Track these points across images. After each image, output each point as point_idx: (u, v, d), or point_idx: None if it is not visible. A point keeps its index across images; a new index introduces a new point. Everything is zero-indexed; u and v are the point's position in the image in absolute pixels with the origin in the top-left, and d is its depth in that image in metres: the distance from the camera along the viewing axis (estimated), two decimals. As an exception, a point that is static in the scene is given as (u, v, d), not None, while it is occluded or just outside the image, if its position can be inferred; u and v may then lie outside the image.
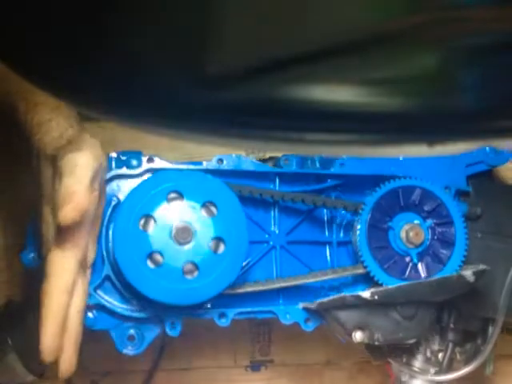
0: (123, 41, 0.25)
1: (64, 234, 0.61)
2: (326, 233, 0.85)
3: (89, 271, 0.69)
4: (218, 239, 0.72)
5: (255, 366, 1.02)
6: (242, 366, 1.02)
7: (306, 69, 0.25)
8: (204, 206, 0.72)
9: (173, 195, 0.72)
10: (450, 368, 0.86)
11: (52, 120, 0.64)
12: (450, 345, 0.85)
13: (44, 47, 0.26)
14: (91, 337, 0.91)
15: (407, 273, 0.78)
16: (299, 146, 0.29)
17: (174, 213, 0.71)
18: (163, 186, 0.71)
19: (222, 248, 0.72)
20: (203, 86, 0.26)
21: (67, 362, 0.64)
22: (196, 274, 0.71)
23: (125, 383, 0.99)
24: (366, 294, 0.72)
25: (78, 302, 0.64)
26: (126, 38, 0.25)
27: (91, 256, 0.69)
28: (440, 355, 0.86)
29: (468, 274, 0.74)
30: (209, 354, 1.01)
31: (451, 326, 0.84)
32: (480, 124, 0.27)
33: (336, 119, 0.26)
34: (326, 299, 0.73)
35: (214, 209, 0.73)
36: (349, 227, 0.85)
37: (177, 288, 0.70)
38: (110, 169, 0.76)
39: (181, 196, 0.72)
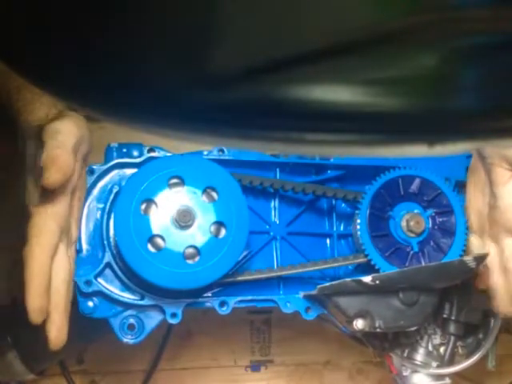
0: (123, 41, 0.25)
1: (46, 196, 0.62)
2: (327, 225, 0.85)
3: (73, 247, 0.69)
4: (219, 224, 0.72)
5: (255, 366, 1.02)
6: (242, 365, 1.02)
7: (306, 69, 0.25)
8: (205, 191, 0.72)
9: (174, 181, 0.72)
10: (451, 361, 0.85)
11: (35, 100, 0.65)
12: (452, 338, 0.85)
13: (44, 47, 0.26)
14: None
15: (408, 261, 0.78)
16: (299, 145, 0.28)
17: (175, 198, 0.71)
18: (164, 172, 0.72)
19: (223, 232, 0.72)
20: (203, 86, 0.26)
21: (56, 333, 0.64)
22: (197, 258, 0.71)
23: (125, 383, 0.98)
24: (367, 278, 0.72)
25: (61, 271, 0.65)
26: (126, 38, 0.25)
27: (74, 233, 0.69)
28: (442, 349, 0.86)
29: (469, 259, 0.74)
30: (209, 354, 1.01)
31: (452, 318, 0.84)
32: (480, 124, 0.27)
33: (336, 119, 0.26)
34: (327, 284, 0.73)
35: (214, 194, 0.73)
36: (349, 220, 0.85)
37: (178, 272, 0.70)
38: (112, 158, 0.77)
39: (182, 182, 0.72)
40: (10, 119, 0.66)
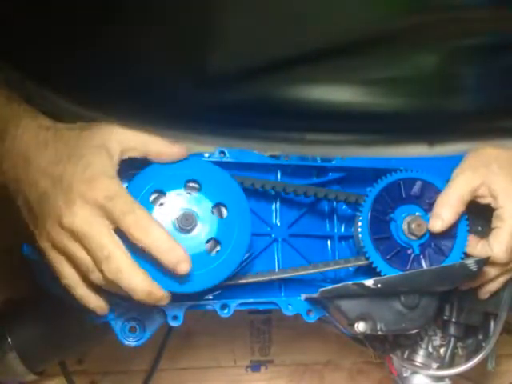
0: (123, 40, 0.25)
1: None
2: (328, 227, 0.85)
3: None
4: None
5: (255, 366, 1.02)
6: (242, 365, 1.02)
7: (306, 69, 0.25)
8: (216, 206, 0.72)
9: (191, 184, 0.71)
10: (451, 363, 0.85)
11: None
12: (452, 339, 0.85)
13: (44, 46, 0.26)
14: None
15: (409, 264, 0.78)
16: (299, 146, 0.29)
17: (182, 201, 0.71)
18: (184, 171, 0.71)
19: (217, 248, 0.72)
20: (203, 86, 0.26)
21: None
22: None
23: (125, 383, 0.98)
24: (369, 282, 0.72)
25: None
26: (126, 38, 0.25)
27: None
28: (442, 350, 0.86)
29: (470, 262, 0.74)
30: (208, 354, 1.01)
31: (453, 319, 0.84)
32: (480, 124, 0.27)
33: (336, 119, 0.26)
34: (329, 287, 0.73)
35: (223, 209, 0.72)
36: (350, 222, 0.85)
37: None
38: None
39: (199, 187, 0.71)
40: None
